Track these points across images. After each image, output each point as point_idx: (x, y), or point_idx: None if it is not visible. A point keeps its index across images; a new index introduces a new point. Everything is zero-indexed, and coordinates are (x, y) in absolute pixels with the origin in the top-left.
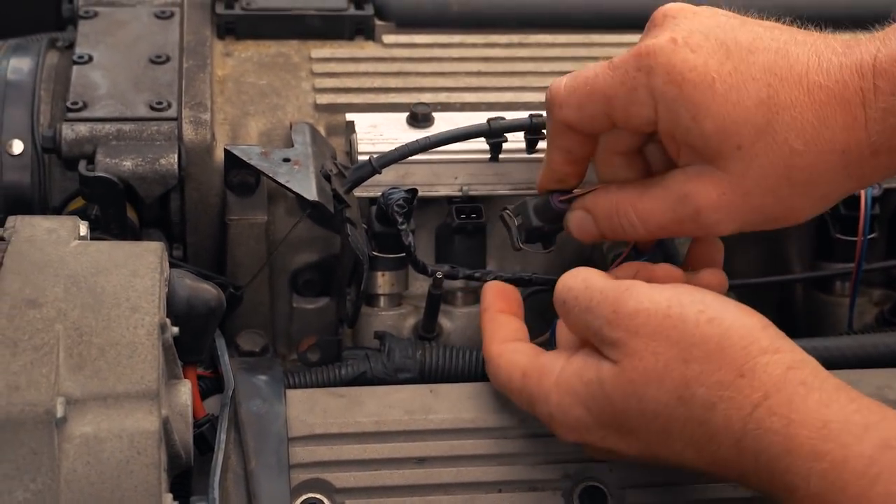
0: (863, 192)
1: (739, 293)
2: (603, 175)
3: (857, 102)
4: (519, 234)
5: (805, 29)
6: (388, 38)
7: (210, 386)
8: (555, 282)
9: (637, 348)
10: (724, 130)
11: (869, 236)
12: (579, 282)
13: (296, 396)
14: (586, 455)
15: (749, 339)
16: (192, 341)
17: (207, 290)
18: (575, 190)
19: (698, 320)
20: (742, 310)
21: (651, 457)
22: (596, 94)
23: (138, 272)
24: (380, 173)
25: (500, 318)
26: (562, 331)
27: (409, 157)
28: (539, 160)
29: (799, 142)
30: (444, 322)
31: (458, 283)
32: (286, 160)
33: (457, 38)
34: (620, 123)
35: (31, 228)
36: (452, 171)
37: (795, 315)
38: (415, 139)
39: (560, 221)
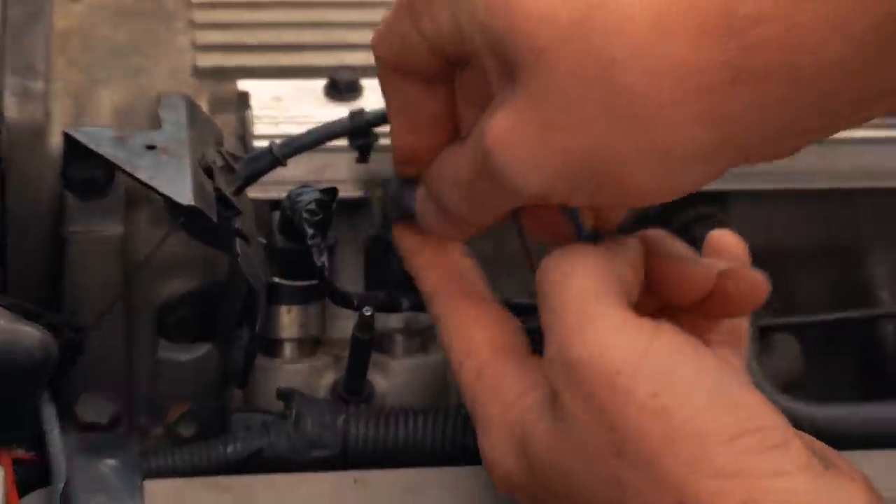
0: None
1: (806, 335)
2: (466, 124)
3: (713, 9)
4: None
5: None
6: None
7: (33, 475)
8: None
9: (573, 412)
10: (519, 28)
11: None
12: (557, 274)
13: (159, 490)
14: None
15: (700, 452)
16: (6, 411)
17: (29, 335)
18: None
19: (644, 405)
20: (719, 399)
21: None
22: (400, 2)
23: None
24: (284, 165)
25: (446, 258)
26: None
27: (328, 143)
28: None
29: (624, 51)
30: (377, 379)
31: (398, 322)
32: (151, 147)
33: None
34: (430, 37)
35: None
36: (388, 162)
37: (886, 364)
38: (337, 118)
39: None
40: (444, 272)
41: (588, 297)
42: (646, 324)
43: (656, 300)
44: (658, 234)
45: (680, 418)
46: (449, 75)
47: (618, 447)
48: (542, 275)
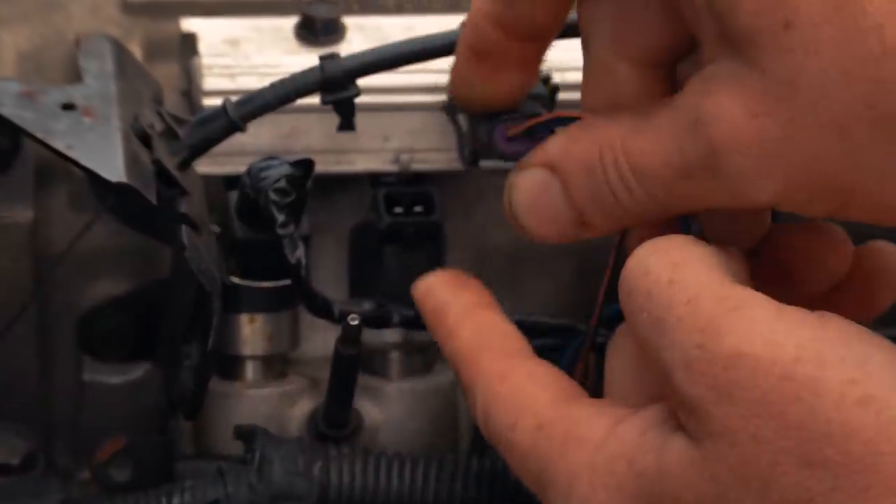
0: None
1: None
2: (592, 99)
3: None
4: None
5: None
6: None
7: None
8: (573, 330)
9: (729, 425)
10: None
11: None
12: (665, 266)
13: None
14: None
15: None
16: None
17: None
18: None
19: (843, 397)
20: None
21: None
22: None
23: None
24: (243, 130)
25: (483, 316)
26: (618, 357)
27: (298, 102)
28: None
29: None
30: (367, 408)
31: (394, 334)
32: (69, 107)
33: None
34: None
35: None
36: (381, 126)
37: None
38: (312, 66)
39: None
40: (478, 329)
41: (725, 284)
42: (805, 311)
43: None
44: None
45: (894, 404)
46: None
47: (808, 454)
48: (640, 265)
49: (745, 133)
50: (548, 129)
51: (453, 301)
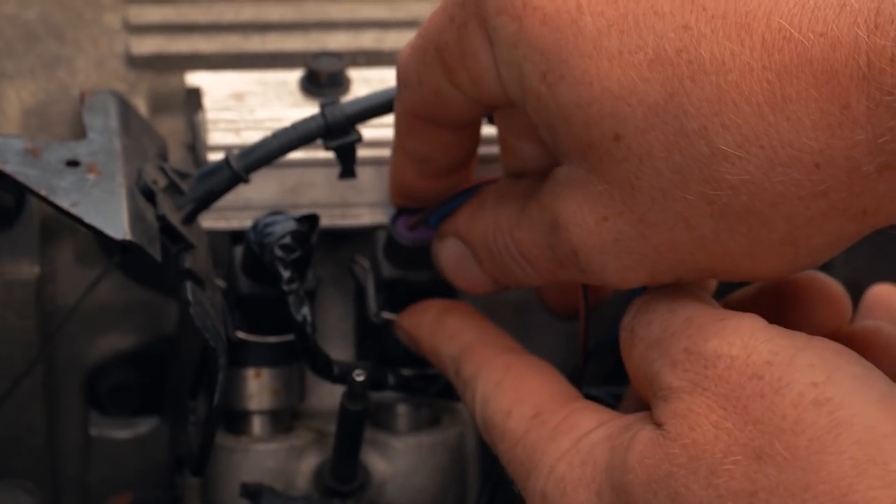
0: None
1: None
2: (508, 167)
3: (854, 75)
4: (376, 294)
5: None
6: None
7: None
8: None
9: (695, 409)
10: (592, 104)
11: None
12: (665, 302)
13: None
14: None
15: (873, 452)
16: None
17: None
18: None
19: (802, 396)
20: (888, 398)
21: None
22: (428, 44)
23: None
24: (247, 182)
25: (483, 322)
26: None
27: (303, 155)
28: None
29: (727, 138)
30: (375, 462)
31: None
32: (73, 164)
33: None
34: (467, 90)
35: None
36: (385, 179)
37: None
38: (314, 113)
39: (425, 266)
40: (480, 331)
41: (716, 307)
42: (795, 332)
43: None
44: None
45: (848, 411)
46: (480, 117)
47: (759, 447)
48: (641, 306)
49: (599, 236)
50: (441, 213)
51: (451, 312)
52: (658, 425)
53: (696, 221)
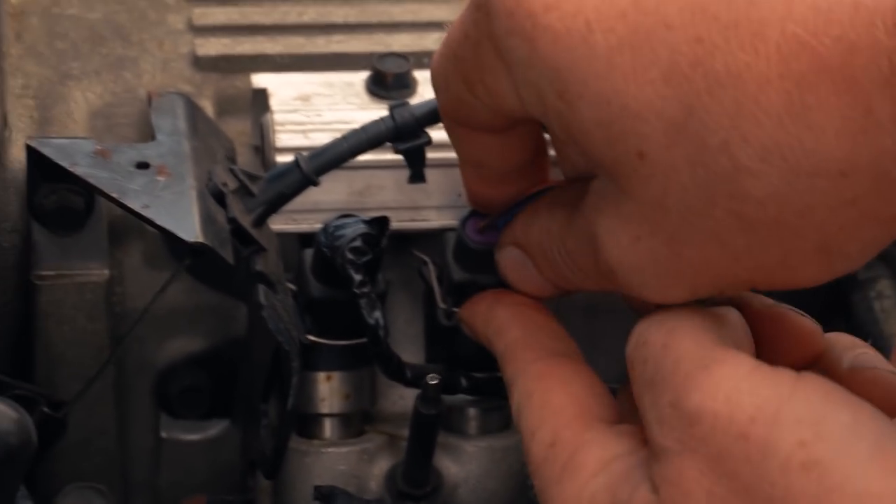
0: None
1: None
2: (564, 170)
3: (875, 79)
4: (445, 296)
5: None
6: None
7: None
8: None
9: (685, 474)
10: (613, 122)
11: None
12: (661, 334)
13: None
14: None
15: None
16: None
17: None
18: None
19: (790, 459)
20: (886, 453)
21: None
22: (449, 53)
23: None
24: (317, 185)
25: (531, 316)
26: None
27: (373, 157)
28: None
29: (749, 152)
30: (447, 465)
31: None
32: (143, 166)
33: None
34: (488, 104)
35: None
36: (454, 181)
37: None
38: (383, 116)
39: (494, 269)
40: (526, 328)
41: (705, 346)
42: (784, 371)
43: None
44: (754, 295)
45: (838, 476)
46: (508, 126)
47: None
48: (639, 338)
49: (634, 256)
50: (507, 217)
51: (503, 302)
52: (654, 486)
53: (727, 237)
